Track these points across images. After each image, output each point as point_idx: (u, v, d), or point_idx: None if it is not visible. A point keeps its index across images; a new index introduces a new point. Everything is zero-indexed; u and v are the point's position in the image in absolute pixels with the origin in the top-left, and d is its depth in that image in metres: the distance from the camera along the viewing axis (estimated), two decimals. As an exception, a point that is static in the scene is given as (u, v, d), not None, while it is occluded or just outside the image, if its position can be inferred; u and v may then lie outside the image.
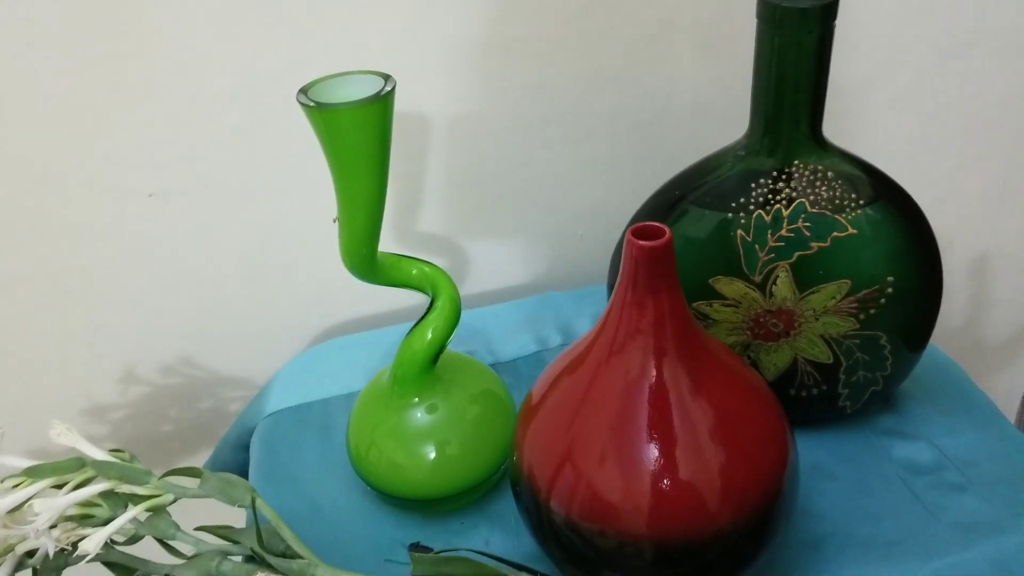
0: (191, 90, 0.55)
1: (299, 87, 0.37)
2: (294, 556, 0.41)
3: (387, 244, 0.52)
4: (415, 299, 0.66)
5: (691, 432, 0.35)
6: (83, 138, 0.55)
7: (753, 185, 0.43)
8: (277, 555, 0.41)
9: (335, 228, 0.55)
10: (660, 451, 0.35)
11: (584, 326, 0.60)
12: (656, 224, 0.34)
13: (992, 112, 0.73)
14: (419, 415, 0.46)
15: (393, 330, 0.63)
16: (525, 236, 0.68)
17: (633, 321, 0.35)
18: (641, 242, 0.33)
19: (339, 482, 0.50)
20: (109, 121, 0.55)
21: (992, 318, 0.85)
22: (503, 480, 0.48)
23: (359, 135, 0.36)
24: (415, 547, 0.43)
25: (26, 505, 0.43)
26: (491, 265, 0.68)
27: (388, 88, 0.36)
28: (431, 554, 0.40)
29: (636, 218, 0.47)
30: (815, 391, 0.46)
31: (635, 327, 0.35)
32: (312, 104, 0.35)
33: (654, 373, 0.35)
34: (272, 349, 0.69)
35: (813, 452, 0.47)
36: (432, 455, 0.46)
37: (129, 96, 0.54)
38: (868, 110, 0.68)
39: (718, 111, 0.63)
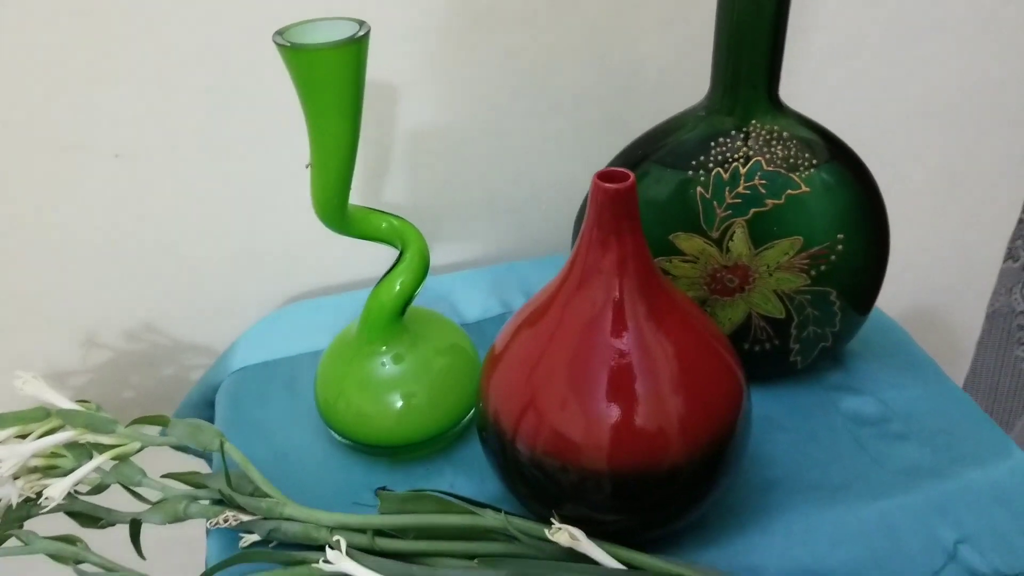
0: (157, 49, 0.55)
1: (267, 45, 0.37)
2: (263, 496, 0.42)
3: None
4: (378, 269, 0.67)
5: (650, 371, 0.37)
6: (47, 96, 0.55)
7: (712, 144, 0.45)
8: (246, 496, 0.42)
9: (300, 192, 0.55)
10: (619, 389, 0.37)
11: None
12: (621, 169, 0.35)
13: (945, 100, 0.76)
14: (386, 365, 0.47)
15: (359, 294, 0.64)
16: (490, 207, 0.69)
17: (596, 262, 0.36)
18: (607, 184, 0.35)
19: (306, 433, 0.51)
20: (74, 80, 0.55)
21: (936, 301, 0.89)
22: (467, 430, 0.50)
23: (334, 77, 0.37)
24: (382, 491, 0.45)
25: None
26: (456, 235, 0.69)
27: (363, 32, 0.37)
28: (398, 493, 0.41)
29: (616, 162, 0.48)
30: (768, 346, 0.48)
31: (597, 267, 0.36)
32: (288, 45, 0.36)
33: (614, 312, 0.37)
34: (234, 317, 0.69)
35: (765, 405, 0.49)
36: (398, 404, 0.47)
37: (94, 54, 0.54)
38: (824, 87, 0.71)
39: (682, 86, 0.64)
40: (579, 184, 0.68)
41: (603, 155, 0.53)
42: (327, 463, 0.49)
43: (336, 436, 0.49)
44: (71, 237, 0.61)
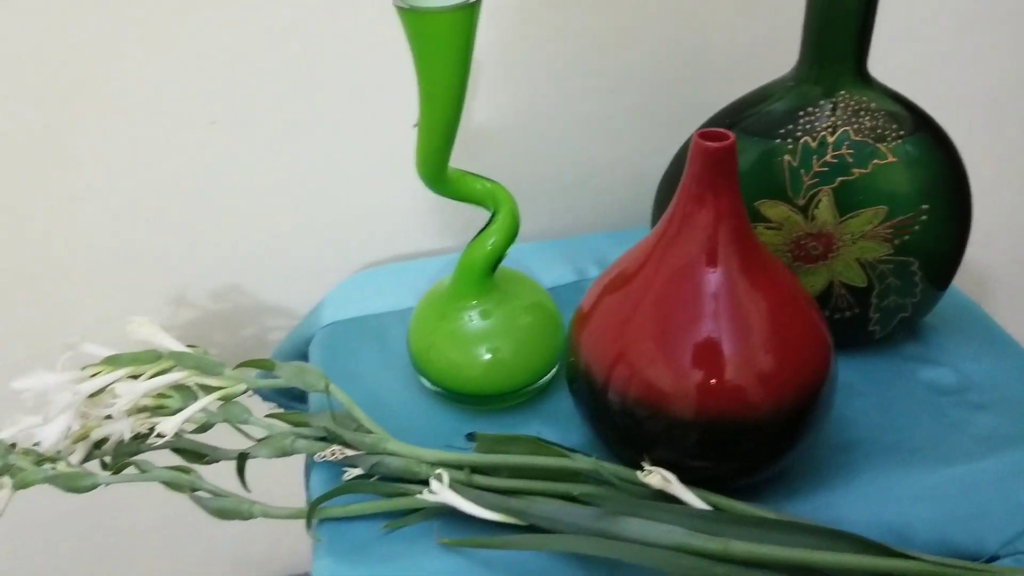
0: (252, 21, 0.57)
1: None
2: (367, 433, 0.44)
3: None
4: (452, 240, 0.70)
5: (741, 325, 0.38)
6: (149, 64, 0.58)
7: (801, 114, 0.46)
8: (351, 432, 0.44)
9: (378, 163, 0.58)
10: (710, 342, 0.38)
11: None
12: (721, 130, 0.37)
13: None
14: (474, 320, 0.49)
15: (437, 259, 0.66)
16: (559, 182, 0.71)
17: (692, 218, 0.38)
18: (708, 143, 0.36)
19: (397, 383, 0.53)
20: (175, 49, 0.58)
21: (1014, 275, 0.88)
22: (550, 385, 0.52)
23: (448, 39, 0.39)
24: (472, 436, 0.47)
25: (105, 392, 0.47)
26: (525, 209, 0.71)
27: (476, -2, 0.39)
28: (493, 434, 0.44)
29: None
30: (848, 314, 0.50)
31: (693, 223, 0.38)
32: (407, 7, 0.38)
33: (708, 266, 0.38)
34: (313, 281, 0.71)
35: (843, 372, 0.49)
36: (486, 356, 0.49)
37: (193, 26, 0.57)
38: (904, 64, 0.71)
39: (751, 66, 0.66)
40: (646, 162, 0.69)
41: (671, 134, 0.55)
42: (418, 411, 0.51)
43: (427, 385, 0.52)
44: (165, 200, 0.64)
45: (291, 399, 0.63)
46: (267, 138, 0.63)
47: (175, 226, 0.66)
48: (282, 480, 0.59)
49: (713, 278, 0.38)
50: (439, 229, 0.71)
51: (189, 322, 0.72)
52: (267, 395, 0.63)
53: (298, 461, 0.61)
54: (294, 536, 0.95)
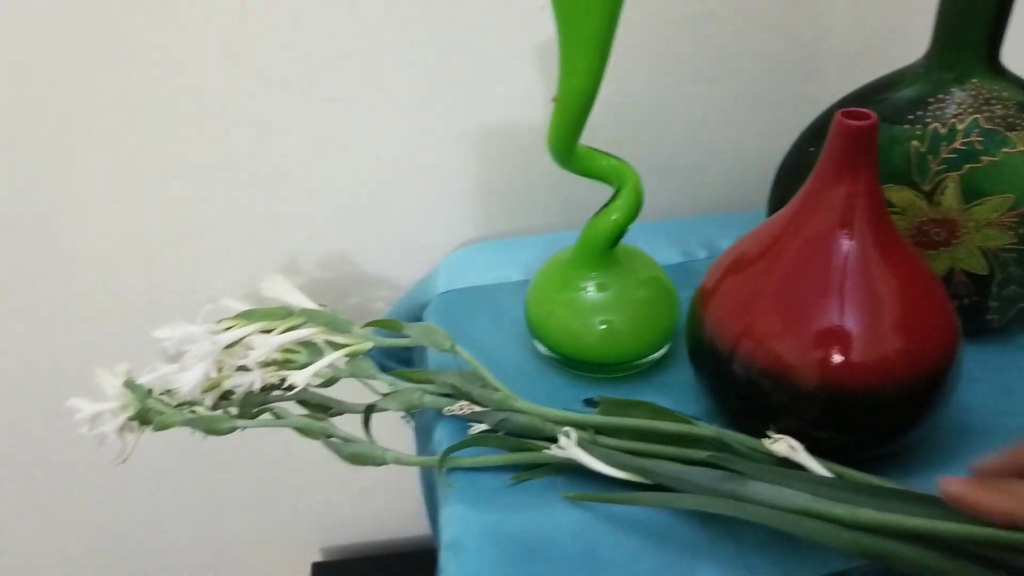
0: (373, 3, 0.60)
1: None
2: (494, 390, 0.46)
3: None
4: (552, 221, 0.71)
5: (871, 300, 0.40)
6: (277, 43, 0.61)
7: (931, 100, 0.47)
8: (479, 389, 0.46)
9: (486, 143, 0.59)
10: (840, 316, 0.40)
11: (727, 244, 0.64)
12: (864, 110, 0.38)
13: None
14: (594, 291, 0.51)
15: (545, 236, 0.68)
16: (672, 164, 0.72)
17: (829, 194, 0.39)
18: (850, 121, 0.38)
19: (513, 350, 0.56)
20: (300, 28, 0.61)
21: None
22: (665, 358, 0.53)
23: (593, 17, 0.41)
24: (589, 402, 0.49)
25: (239, 345, 0.49)
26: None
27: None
28: (616, 398, 0.45)
29: (813, 127, 0.51)
30: (966, 301, 0.50)
31: (830, 199, 0.39)
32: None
33: (844, 240, 0.39)
34: (416, 255, 0.74)
35: (959, 358, 0.51)
36: (603, 326, 0.51)
37: (318, 4, 0.60)
38: None
39: (864, 60, 0.67)
40: (758, 150, 0.70)
41: (777, 124, 0.55)
42: (535, 376, 0.53)
43: (543, 351, 0.54)
44: (282, 172, 0.68)
45: (397, 363, 0.66)
46: (384, 116, 0.66)
47: (293, 196, 0.69)
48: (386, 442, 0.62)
49: (847, 252, 0.39)
50: (538, 211, 0.73)
51: (298, 288, 0.75)
52: (372, 356, 0.66)
53: (404, 434, 0.64)
54: (380, 503, 0.98)
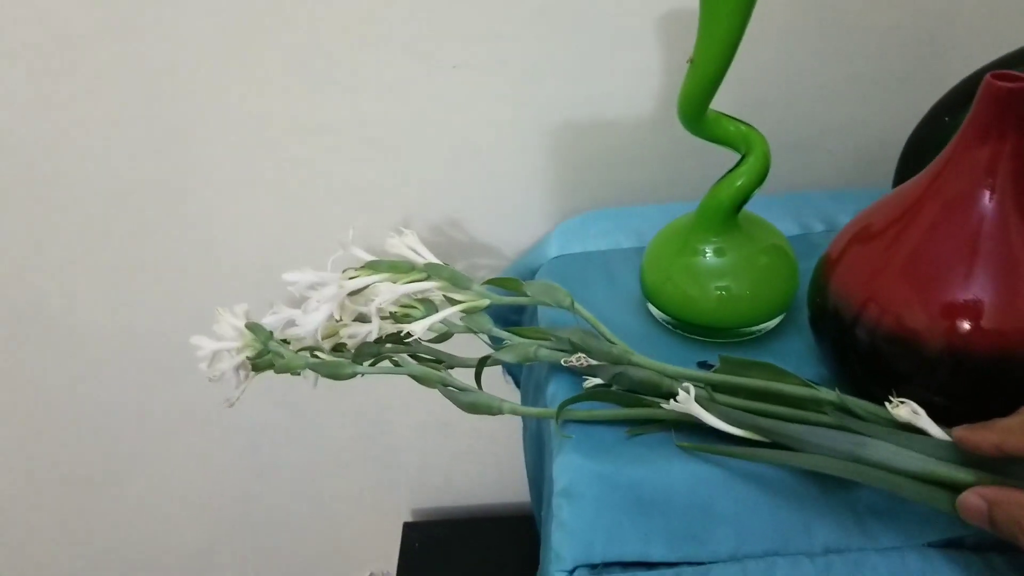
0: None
1: None
2: (612, 344, 0.47)
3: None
4: (657, 195, 0.72)
5: (1008, 266, 0.39)
6: (403, 7, 0.63)
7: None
8: (597, 341, 0.47)
9: (596, 117, 0.60)
10: (972, 279, 0.39)
11: (845, 219, 0.64)
12: (1014, 72, 0.38)
13: None
14: (713, 256, 0.52)
15: (656, 207, 0.69)
16: (796, 136, 0.71)
17: (973, 155, 0.39)
18: (1000, 83, 0.37)
19: (627, 314, 0.57)
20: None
21: None
22: (780, 327, 0.53)
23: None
24: (704, 364, 0.49)
25: (361, 295, 0.51)
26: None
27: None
28: (736, 357, 0.46)
29: (949, 97, 0.50)
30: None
31: (974, 161, 0.39)
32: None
33: (984, 204, 0.39)
34: (524, 226, 0.76)
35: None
36: (721, 292, 0.51)
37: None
38: None
39: (991, 40, 0.65)
40: (882, 126, 0.69)
41: (897, 103, 0.55)
42: (649, 340, 0.54)
43: (658, 315, 0.55)
44: (396, 137, 0.70)
45: (505, 324, 0.67)
46: (503, 84, 0.67)
47: (410, 161, 0.71)
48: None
49: (988, 213, 0.39)
50: (649, 184, 0.74)
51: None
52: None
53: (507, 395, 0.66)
54: (470, 470, 1.00)
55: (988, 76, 0.38)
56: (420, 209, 0.75)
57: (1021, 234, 0.39)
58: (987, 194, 0.39)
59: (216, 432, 0.93)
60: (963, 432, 0.37)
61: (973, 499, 0.36)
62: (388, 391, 0.84)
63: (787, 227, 0.64)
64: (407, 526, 1.00)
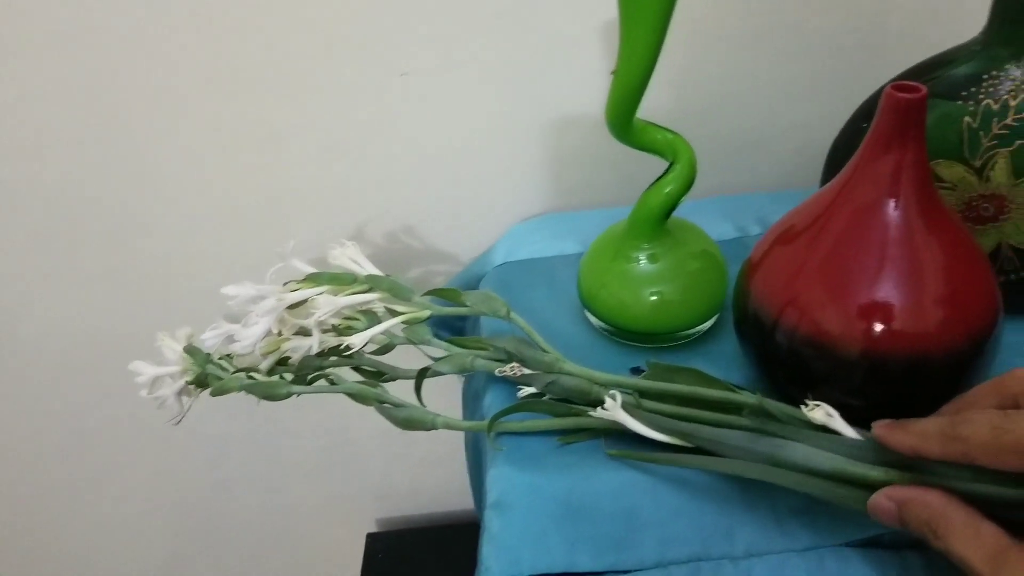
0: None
1: None
2: (545, 353, 0.48)
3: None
4: (611, 197, 0.73)
5: (915, 270, 0.40)
6: (351, 18, 0.63)
7: (985, 77, 0.47)
8: (531, 351, 0.48)
9: (548, 119, 0.60)
10: (884, 286, 0.40)
11: (782, 220, 0.65)
12: (914, 83, 0.39)
13: None
14: (646, 262, 0.53)
15: (602, 211, 0.70)
16: (729, 142, 0.73)
17: (877, 166, 0.40)
18: (900, 94, 0.38)
19: (566, 321, 0.57)
20: (371, 3, 0.63)
21: None
22: (712, 330, 0.54)
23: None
24: (636, 370, 0.50)
25: (302, 308, 0.52)
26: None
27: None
28: (664, 363, 0.47)
29: (866, 104, 0.51)
30: (1013, 276, 0.50)
31: (878, 171, 0.40)
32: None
33: (890, 211, 0.40)
34: (479, 230, 0.76)
35: (1006, 333, 0.51)
36: (654, 298, 0.52)
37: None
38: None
39: (925, 41, 0.66)
40: (815, 128, 0.70)
41: (841, 103, 0.56)
42: (586, 346, 0.55)
43: (595, 322, 0.55)
44: (351, 143, 0.70)
45: (451, 333, 0.68)
46: (452, 90, 0.67)
47: (362, 169, 0.72)
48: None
49: (893, 222, 0.40)
50: (599, 186, 0.74)
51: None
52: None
53: (449, 401, 0.66)
54: (434, 477, 1.01)
55: (888, 88, 0.39)
56: (376, 216, 0.75)
57: (925, 240, 0.40)
58: (892, 202, 0.40)
59: (176, 445, 0.93)
60: (882, 431, 0.38)
61: (883, 501, 0.37)
62: (349, 399, 0.84)
63: (724, 230, 0.65)
64: (371, 537, 1.00)
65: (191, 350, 0.51)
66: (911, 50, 0.59)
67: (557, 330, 0.56)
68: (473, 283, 0.66)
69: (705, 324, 0.54)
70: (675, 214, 0.53)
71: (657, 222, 0.52)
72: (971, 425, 0.34)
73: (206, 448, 0.94)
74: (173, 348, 0.52)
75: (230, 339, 0.51)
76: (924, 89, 0.38)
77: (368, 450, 0.96)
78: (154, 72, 0.66)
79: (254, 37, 0.64)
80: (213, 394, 0.51)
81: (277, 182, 0.72)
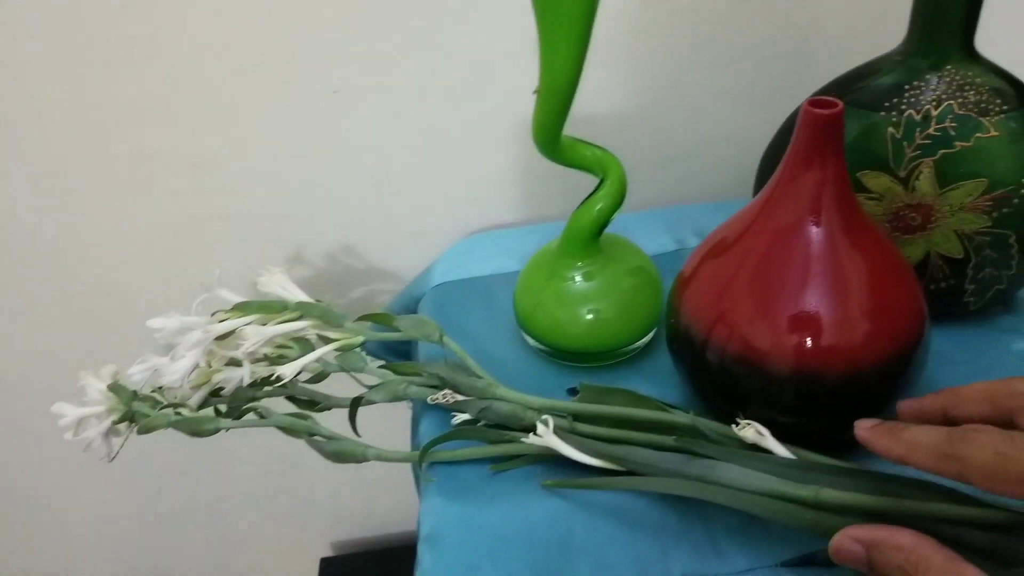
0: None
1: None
2: (478, 378, 0.47)
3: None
4: (555, 209, 0.72)
5: (840, 285, 0.40)
6: (274, 36, 0.62)
7: (907, 87, 0.47)
8: (463, 377, 0.47)
9: (487, 135, 0.59)
10: (809, 302, 0.40)
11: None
12: (830, 98, 0.39)
13: None
14: (579, 281, 0.52)
15: (541, 226, 0.69)
16: (662, 154, 0.73)
17: (798, 182, 0.40)
18: (817, 110, 0.38)
19: (502, 341, 0.57)
20: (298, 23, 0.62)
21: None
22: (650, 345, 0.54)
23: (571, 7, 0.42)
24: (573, 391, 0.50)
25: (231, 338, 0.50)
26: (629, 179, 0.74)
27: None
28: (597, 385, 0.46)
29: (794, 115, 0.51)
30: (943, 285, 0.51)
31: (798, 187, 0.40)
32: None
33: (812, 227, 0.40)
34: (422, 247, 0.75)
35: (937, 341, 0.51)
36: (590, 316, 0.52)
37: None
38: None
39: (859, 49, 0.67)
40: (748, 137, 0.70)
41: (775, 110, 0.56)
42: (522, 366, 0.54)
43: (531, 343, 0.55)
44: (283, 166, 0.69)
45: (397, 356, 0.67)
46: (382, 109, 0.67)
47: (296, 191, 0.70)
48: (387, 436, 0.63)
49: (816, 239, 0.40)
50: (542, 199, 0.74)
51: (303, 280, 0.76)
52: (371, 350, 0.67)
53: (404, 423, 0.65)
54: (389, 497, 0.99)
55: (805, 103, 0.39)
56: (313, 238, 0.74)
57: (849, 254, 0.40)
58: (813, 218, 0.40)
59: (117, 478, 0.91)
60: (866, 434, 0.36)
61: (847, 543, 0.35)
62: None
63: (663, 242, 0.65)
64: (325, 561, 0.98)
65: (116, 388, 0.50)
66: (846, 58, 0.60)
67: (494, 352, 0.56)
68: (412, 304, 0.65)
69: (642, 341, 0.53)
70: (614, 226, 0.53)
71: (590, 239, 0.52)
72: (972, 446, 0.31)
73: (147, 480, 0.92)
74: (97, 387, 0.50)
75: (159, 373, 0.50)
76: (840, 104, 0.38)
77: (319, 472, 0.95)
78: (77, 101, 0.64)
79: (179, 63, 0.63)
80: (140, 432, 0.50)
81: (206, 209, 0.70)
